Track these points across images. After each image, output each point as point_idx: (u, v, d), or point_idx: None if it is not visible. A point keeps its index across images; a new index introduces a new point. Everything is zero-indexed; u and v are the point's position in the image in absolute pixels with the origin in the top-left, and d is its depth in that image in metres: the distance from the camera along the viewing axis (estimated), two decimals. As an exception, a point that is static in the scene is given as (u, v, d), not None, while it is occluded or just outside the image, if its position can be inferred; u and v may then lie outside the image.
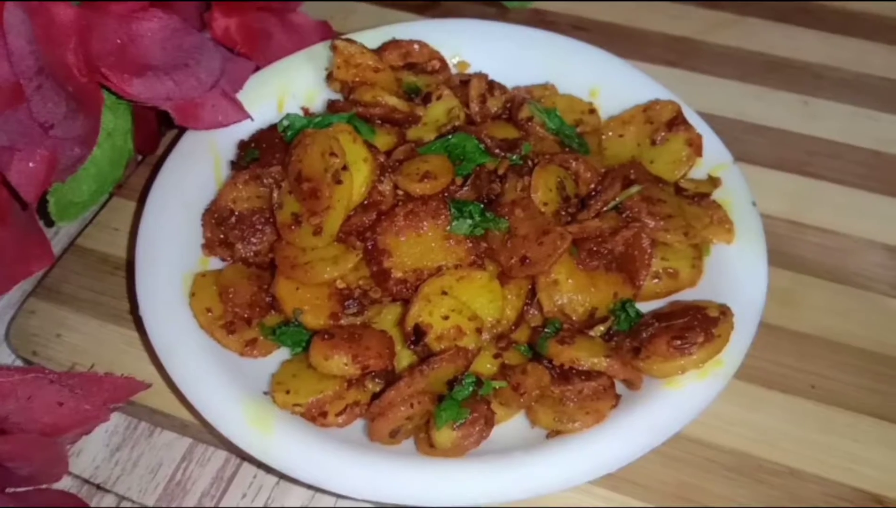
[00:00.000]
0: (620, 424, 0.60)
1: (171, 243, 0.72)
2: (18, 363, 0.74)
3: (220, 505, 0.67)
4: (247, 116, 0.76)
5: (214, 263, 0.74)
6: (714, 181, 0.75)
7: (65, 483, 0.67)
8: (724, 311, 0.63)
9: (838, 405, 0.68)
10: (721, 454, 0.65)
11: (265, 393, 0.64)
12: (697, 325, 0.62)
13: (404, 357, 0.65)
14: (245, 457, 0.68)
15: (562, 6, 1.05)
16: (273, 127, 0.78)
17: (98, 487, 0.68)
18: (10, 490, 0.60)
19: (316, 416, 0.62)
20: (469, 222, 0.67)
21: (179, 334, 0.65)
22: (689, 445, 0.65)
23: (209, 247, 0.73)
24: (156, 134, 0.86)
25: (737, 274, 0.69)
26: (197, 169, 0.77)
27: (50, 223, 0.75)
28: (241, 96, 0.80)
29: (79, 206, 0.74)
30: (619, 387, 0.64)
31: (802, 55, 0.98)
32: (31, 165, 0.62)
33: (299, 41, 0.91)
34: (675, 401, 0.60)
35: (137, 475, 0.69)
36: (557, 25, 1.02)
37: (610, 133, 0.80)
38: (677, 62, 0.97)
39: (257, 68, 0.85)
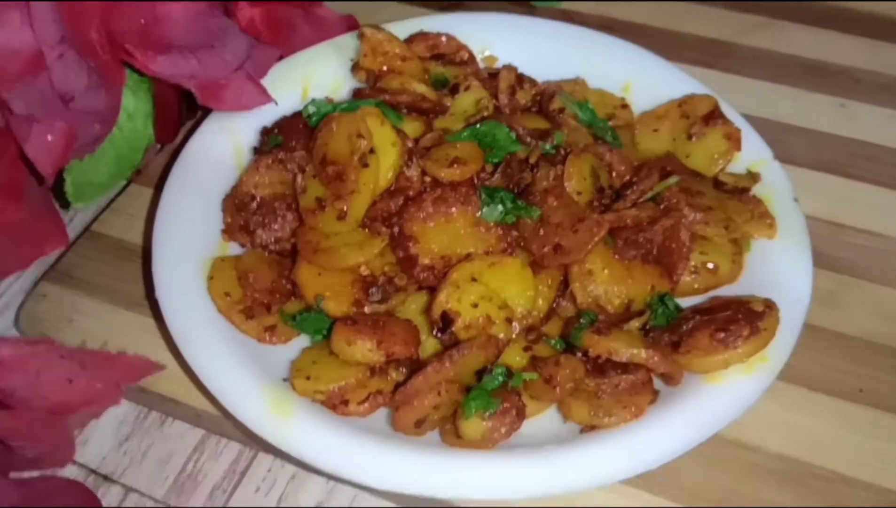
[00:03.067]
0: (660, 419, 0.56)
1: (189, 226, 0.69)
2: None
3: (232, 502, 0.64)
4: (270, 99, 0.74)
5: (234, 249, 0.71)
6: (754, 176, 0.72)
7: (70, 473, 0.64)
8: (770, 305, 0.60)
9: (888, 409, 0.64)
10: (766, 457, 0.62)
11: (284, 380, 0.61)
12: (742, 318, 0.58)
13: (429, 347, 0.62)
14: (262, 447, 0.65)
15: (591, 6, 1.03)
16: (297, 114, 0.76)
17: (105, 478, 0.65)
18: (13, 474, 0.57)
19: (337, 404, 0.59)
20: (500, 208, 0.64)
21: (196, 318, 0.63)
22: (732, 447, 0.62)
23: (229, 232, 0.71)
24: (176, 121, 0.84)
25: (779, 270, 0.66)
26: (217, 154, 0.75)
27: (65, 205, 0.73)
28: (265, 84, 0.79)
29: (96, 187, 0.72)
30: (657, 384, 0.61)
31: (838, 59, 0.96)
32: (49, 137, 0.60)
33: (324, 34, 0.89)
34: (719, 397, 0.57)
35: (146, 466, 0.66)
36: (586, 25, 1.00)
37: (643, 128, 0.78)
38: (710, 63, 0.94)
39: (281, 57, 0.83)
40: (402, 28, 0.84)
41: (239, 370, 0.59)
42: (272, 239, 0.70)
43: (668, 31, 1.00)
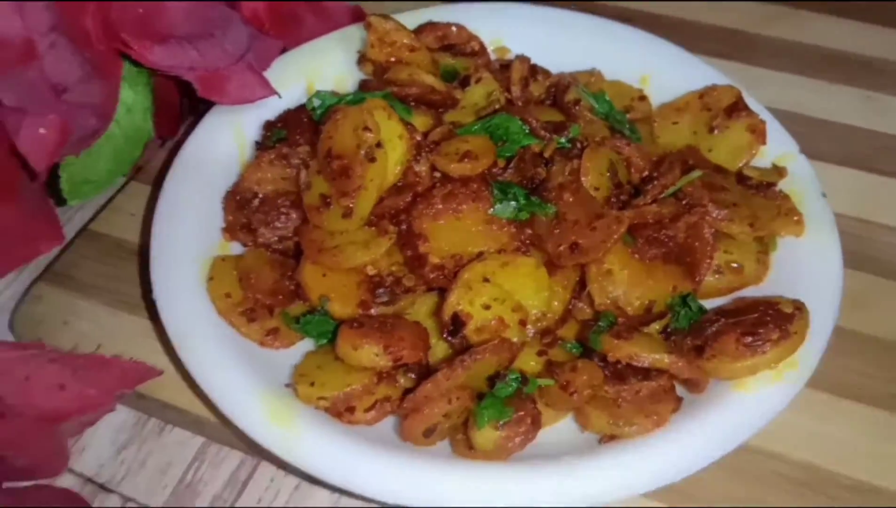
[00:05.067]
0: (684, 429, 0.53)
1: (188, 224, 0.67)
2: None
3: (234, 510, 0.61)
4: (273, 92, 0.71)
5: (234, 249, 0.69)
6: (780, 171, 0.69)
7: (66, 482, 0.62)
8: (799, 307, 0.57)
9: (922, 416, 0.61)
10: (790, 466, 0.59)
11: (287, 386, 0.58)
12: (770, 321, 0.55)
13: (439, 351, 0.59)
14: (263, 457, 0.62)
15: (607, -3, 1.00)
16: (301, 107, 0.73)
17: (101, 487, 0.63)
18: (6, 484, 0.55)
19: (342, 412, 0.56)
20: (514, 204, 0.61)
21: (195, 320, 0.60)
22: (754, 456, 0.59)
23: (230, 231, 0.68)
24: (177, 116, 0.81)
25: (808, 270, 0.62)
26: (220, 149, 0.72)
27: (61, 202, 0.70)
28: (268, 77, 0.76)
29: (93, 185, 0.70)
30: (679, 391, 0.58)
31: (862, 49, 0.92)
32: (41, 130, 0.58)
33: (330, 26, 0.86)
34: (746, 405, 0.54)
35: (145, 475, 0.63)
36: (603, 16, 0.97)
37: (663, 120, 0.75)
38: (731, 54, 0.91)
39: (284, 49, 0.81)
40: (411, 18, 0.81)
41: (239, 376, 0.56)
42: (275, 238, 0.67)
43: (686, 22, 0.97)
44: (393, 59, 0.76)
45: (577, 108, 0.72)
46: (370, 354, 0.55)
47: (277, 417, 0.54)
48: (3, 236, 0.63)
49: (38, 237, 0.65)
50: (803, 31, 0.94)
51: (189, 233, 0.66)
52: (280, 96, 0.72)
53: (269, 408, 0.54)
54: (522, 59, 0.78)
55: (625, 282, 0.59)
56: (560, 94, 0.74)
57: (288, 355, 0.62)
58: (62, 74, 0.58)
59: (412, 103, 0.71)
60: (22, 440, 0.49)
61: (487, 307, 0.57)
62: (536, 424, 0.53)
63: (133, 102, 0.71)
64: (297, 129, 0.71)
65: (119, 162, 0.72)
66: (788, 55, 0.91)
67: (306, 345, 0.63)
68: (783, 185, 0.68)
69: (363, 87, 0.75)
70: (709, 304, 0.63)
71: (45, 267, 0.73)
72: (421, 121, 0.70)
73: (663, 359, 0.54)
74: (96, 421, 0.56)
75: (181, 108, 0.81)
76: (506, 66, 0.79)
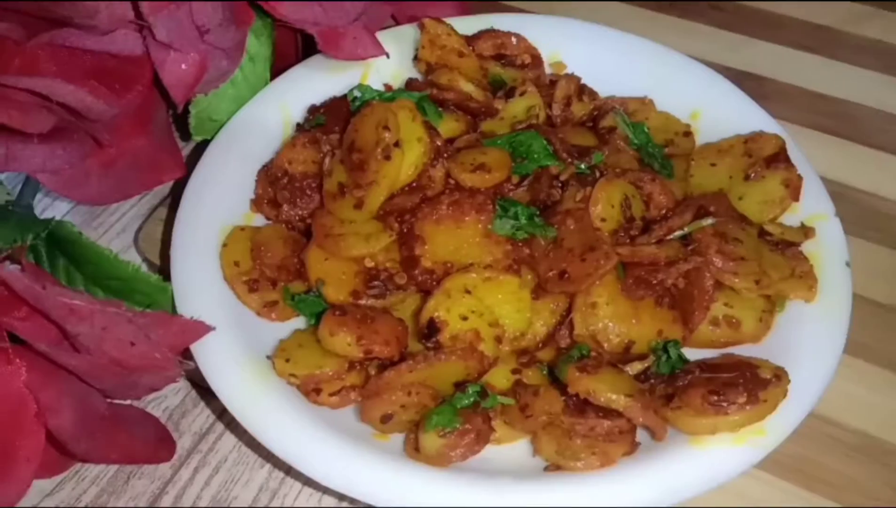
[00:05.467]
0: (626, 473, 0.53)
1: (221, 191, 0.71)
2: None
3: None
4: (383, 51, 0.76)
5: (259, 221, 0.73)
6: (806, 231, 0.66)
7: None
8: (779, 375, 0.55)
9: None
10: (845, 432, 0.62)
11: (268, 357, 0.61)
12: (743, 383, 0.54)
13: (417, 351, 0.61)
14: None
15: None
16: (344, 98, 0.76)
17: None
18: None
19: (310, 391, 0.59)
20: (512, 222, 0.62)
21: (201, 279, 0.64)
22: (812, 420, 0.59)
23: (258, 203, 0.72)
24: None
25: (809, 338, 0.60)
26: (265, 125, 0.76)
27: (185, 137, 0.76)
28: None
29: (215, 124, 0.75)
30: (644, 435, 0.57)
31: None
32: (183, 66, 0.64)
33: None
34: (695, 462, 0.52)
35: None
36: (694, 4, 0.97)
37: (701, 160, 0.73)
38: (816, 49, 0.91)
39: (393, 17, 0.84)
40: (473, 23, 0.83)
41: (225, 335, 0.60)
42: (296, 216, 0.71)
43: (774, 14, 0.96)
44: (441, 61, 0.77)
45: (610, 135, 0.71)
46: (343, 342, 0.58)
47: (251, 382, 0.57)
48: (134, 162, 0.69)
49: (162, 168, 0.71)
50: (891, 32, 0.92)
51: (220, 199, 0.70)
52: (388, 56, 0.77)
53: (245, 371, 0.58)
54: (570, 78, 0.78)
55: (607, 317, 0.59)
56: (598, 118, 0.74)
57: (283, 328, 0.65)
58: (206, 16, 0.63)
59: (451, 108, 0.73)
60: (96, 374, 0.53)
61: (465, 318, 0.59)
62: (482, 440, 0.54)
63: (256, 51, 0.76)
64: (336, 117, 0.74)
65: (238, 105, 0.77)
66: (874, 54, 0.91)
67: (301, 323, 0.66)
68: (808, 247, 0.65)
69: (408, 85, 0.77)
70: (701, 354, 0.61)
71: (166, 196, 0.79)
72: (452, 126, 0.71)
73: (619, 401, 0.53)
74: (162, 387, 0.61)
75: (296, 62, 0.86)
76: (556, 81, 0.79)
